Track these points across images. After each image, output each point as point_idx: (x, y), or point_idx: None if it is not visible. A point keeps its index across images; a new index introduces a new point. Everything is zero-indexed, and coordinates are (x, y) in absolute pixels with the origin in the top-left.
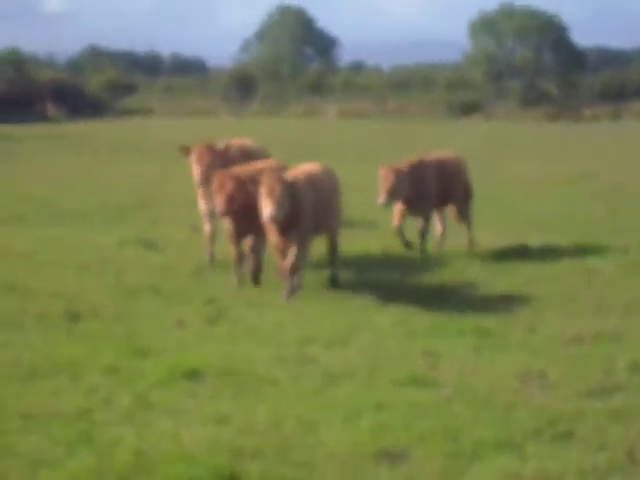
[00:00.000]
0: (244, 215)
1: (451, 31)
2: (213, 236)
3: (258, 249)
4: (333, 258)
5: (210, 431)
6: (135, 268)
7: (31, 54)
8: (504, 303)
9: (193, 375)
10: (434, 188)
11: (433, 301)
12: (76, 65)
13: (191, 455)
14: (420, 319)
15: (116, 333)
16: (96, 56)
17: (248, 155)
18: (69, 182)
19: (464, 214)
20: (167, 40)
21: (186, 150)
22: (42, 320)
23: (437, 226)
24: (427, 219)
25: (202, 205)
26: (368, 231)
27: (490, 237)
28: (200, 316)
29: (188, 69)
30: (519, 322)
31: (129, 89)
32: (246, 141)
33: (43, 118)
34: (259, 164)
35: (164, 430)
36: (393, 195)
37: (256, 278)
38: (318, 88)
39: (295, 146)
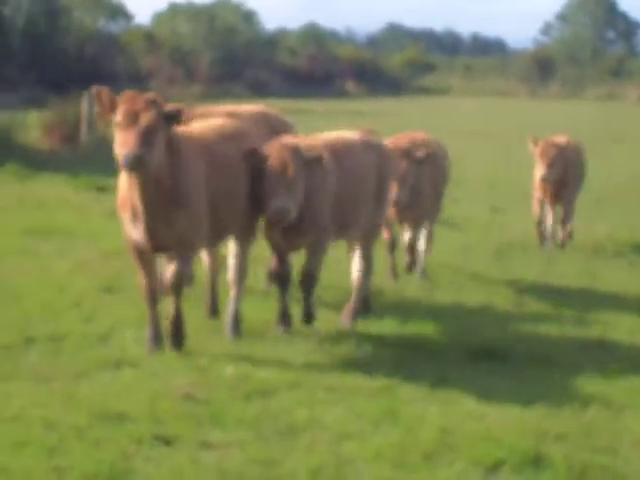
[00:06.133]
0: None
1: None
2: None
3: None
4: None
5: (515, 413)
6: (435, 246)
7: (330, 30)
8: None
9: (496, 356)
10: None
11: None
12: (375, 42)
13: (496, 436)
14: None
15: (416, 308)
16: (396, 34)
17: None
18: None
19: None
20: (467, 19)
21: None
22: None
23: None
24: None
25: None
26: None
27: None
28: (503, 298)
29: (488, 49)
30: None
31: (428, 68)
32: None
33: (342, 94)
34: None
35: (469, 410)
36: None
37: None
38: (619, 72)
39: (593, 130)
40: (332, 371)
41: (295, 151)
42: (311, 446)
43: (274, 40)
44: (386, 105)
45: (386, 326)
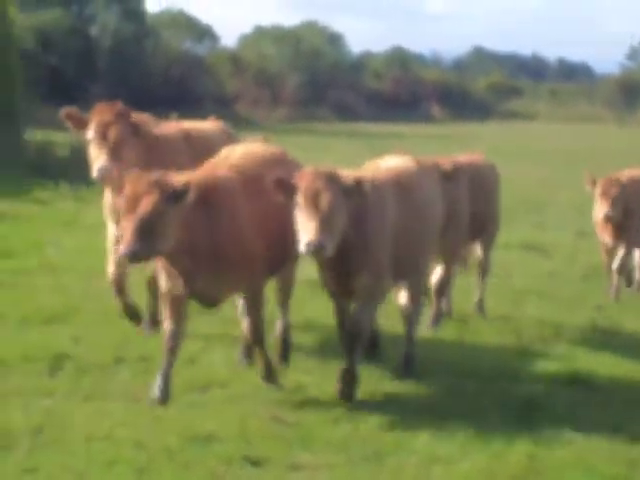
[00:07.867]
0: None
1: None
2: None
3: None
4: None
5: (605, 439)
6: (521, 272)
7: (416, 54)
8: None
9: (584, 381)
10: None
11: None
12: (461, 66)
13: (586, 462)
14: None
15: (502, 335)
16: (481, 58)
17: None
18: None
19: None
20: (552, 43)
21: None
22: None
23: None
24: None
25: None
26: None
27: None
28: (589, 323)
29: (574, 74)
30: None
31: (514, 92)
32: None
33: (427, 118)
34: None
35: (557, 435)
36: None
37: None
38: None
39: None
40: (420, 395)
41: (330, 178)
42: (399, 470)
43: (359, 63)
44: (473, 129)
45: (471, 351)
